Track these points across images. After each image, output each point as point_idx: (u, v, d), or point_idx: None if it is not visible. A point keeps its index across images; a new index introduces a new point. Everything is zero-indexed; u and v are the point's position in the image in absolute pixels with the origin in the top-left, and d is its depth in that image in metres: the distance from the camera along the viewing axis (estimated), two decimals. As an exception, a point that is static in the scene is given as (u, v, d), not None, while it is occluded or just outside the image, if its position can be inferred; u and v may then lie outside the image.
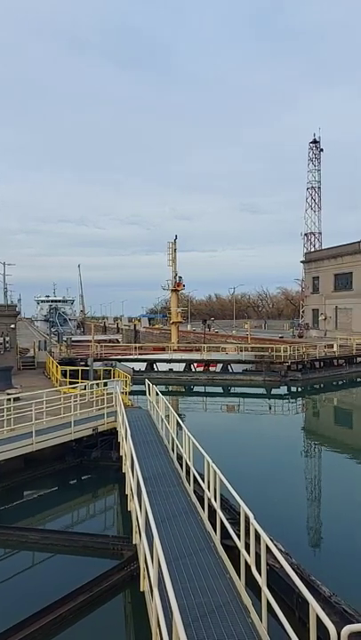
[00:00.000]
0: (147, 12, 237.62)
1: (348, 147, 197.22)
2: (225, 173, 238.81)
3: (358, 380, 38.99)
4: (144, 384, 19.85)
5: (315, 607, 4.60)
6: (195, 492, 10.19)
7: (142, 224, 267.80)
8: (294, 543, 9.74)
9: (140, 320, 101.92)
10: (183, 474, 11.21)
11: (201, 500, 9.57)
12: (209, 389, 35.41)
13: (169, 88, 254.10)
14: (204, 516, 9.00)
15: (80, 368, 29.69)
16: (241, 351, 39.92)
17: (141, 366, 37.47)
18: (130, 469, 10.18)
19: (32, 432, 14.15)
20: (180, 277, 50.44)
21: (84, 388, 20.40)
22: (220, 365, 38.46)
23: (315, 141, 76.54)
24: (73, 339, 58.87)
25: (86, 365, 33.86)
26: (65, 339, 54.38)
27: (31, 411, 14.48)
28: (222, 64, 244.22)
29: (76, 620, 7.71)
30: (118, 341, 66.26)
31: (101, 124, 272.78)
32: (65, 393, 18.50)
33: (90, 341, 46.14)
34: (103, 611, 8.07)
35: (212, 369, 38.55)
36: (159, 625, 5.13)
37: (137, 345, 46.69)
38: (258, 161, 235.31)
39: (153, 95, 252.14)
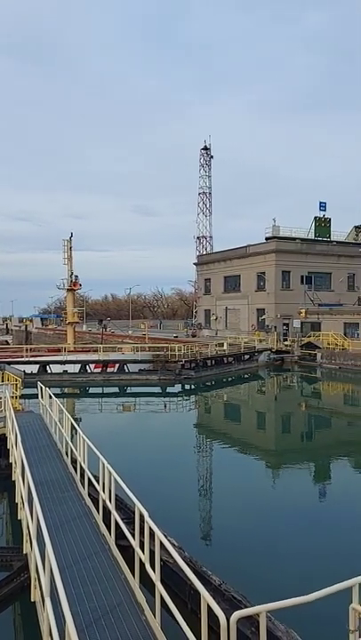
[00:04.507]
0: (47, 8, 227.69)
1: (235, 156, 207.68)
2: (119, 174, 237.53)
3: (245, 376, 41.47)
4: (36, 387, 19.15)
5: (205, 596, 4.77)
6: (90, 495, 10.05)
7: (33, 221, 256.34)
8: (187, 537, 10.01)
9: (31, 320, 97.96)
10: (78, 478, 11.01)
11: (96, 502, 9.47)
12: (105, 390, 35.12)
13: (65, 85, 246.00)
14: (99, 518, 8.92)
15: (-35, 372, 27.77)
16: (137, 351, 40.18)
17: (34, 369, 36.05)
18: (20, 476, 9.77)
19: None
20: (77, 276, 49.23)
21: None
22: (117, 365, 38.33)
23: (205, 148, 79.40)
24: None
25: (-28, 369, 31.77)
26: None
27: None
28: (122, 68, 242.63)
29: None
30: (8, 343, 63.10)
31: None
32: None
33: (-24, 343, 43.33)
34: (-9, 627, 7.65)
35: (109, 369, 38.29)
36: (51, 634, 4.99)
37: (29, 346, 44.76)
38: (152, 164, 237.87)
39: (47, 90, 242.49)
